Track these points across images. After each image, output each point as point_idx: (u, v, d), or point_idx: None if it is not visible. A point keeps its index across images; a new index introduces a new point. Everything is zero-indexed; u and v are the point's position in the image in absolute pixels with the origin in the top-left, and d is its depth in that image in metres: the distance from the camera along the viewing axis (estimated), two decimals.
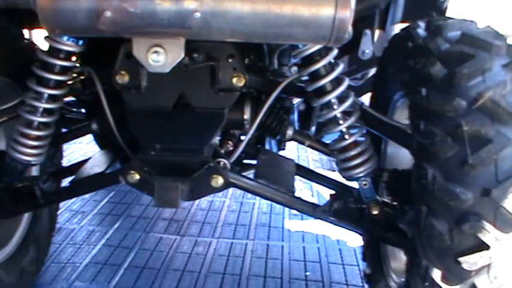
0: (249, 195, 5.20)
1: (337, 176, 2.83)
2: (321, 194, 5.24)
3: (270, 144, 3.26)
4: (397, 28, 3.41)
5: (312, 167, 5.74)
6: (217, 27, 1.88)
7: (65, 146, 5.97)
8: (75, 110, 3.69)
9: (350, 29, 2.21)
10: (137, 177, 2.37)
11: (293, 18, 1.85)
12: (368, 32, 3.63)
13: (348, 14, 1.86)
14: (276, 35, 1.91)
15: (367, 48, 3.64)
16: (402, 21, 3.50)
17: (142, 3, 1.85)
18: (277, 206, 4.96)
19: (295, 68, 3.44)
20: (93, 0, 1.87)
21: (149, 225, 4.61)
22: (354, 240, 4.27)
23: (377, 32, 3.80)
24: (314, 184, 4.89)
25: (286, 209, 5.00)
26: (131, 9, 1.85)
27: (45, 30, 2.02)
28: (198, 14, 1.85)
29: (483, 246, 1.90)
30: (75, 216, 4.72)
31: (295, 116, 3.22)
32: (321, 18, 1.85)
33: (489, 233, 1.89)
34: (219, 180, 2.36)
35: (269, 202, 5.00)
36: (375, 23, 3.68)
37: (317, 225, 4.61)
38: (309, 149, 6.39)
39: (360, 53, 3.66)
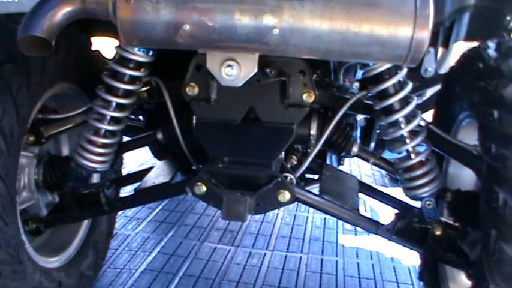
0: (303, 208, 5.24)
1: (397, 194, 2.83)
2: (373, 209, 5.22)
3: (331, 159, 3.25)
4: (460, 46, 3.39)
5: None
6: (295, 44, 1.89)
7: None
8: (133, 117, 3.73)
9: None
10: (204, 189, 2.38)
11: (371, 38, 1.85)
12: (431, 50, 3.61)
13: (426, 35, 1.86)
14: (352, 54, 1.91)
15: (430, 66, 3.62)
16: (466, 40, 3.47)
17: (221, 18, 1.87)
18: (331, 220, 4.99)
19: (356, 84, 3.43)
20: (173, 14, 1.89)
21: (203, 235, 4.61)
22: (408, 258, 4.24)
23: (440, 50, 3.78)
24: (367, 198, 4.86)
25: (340, 223, 4.99)
26: (210, 23, 1.87)
27: (122, 40, 2.05)
28: (276, 31, 1.86)
29: None
30: (130, 222, 4.75)
31: (358, 133, 3.21)
32: (399, 38, 1.85)
33: None
34: (286, 195, 2.36)
35: (322, 216, 5.04)
36: (439, 41, 3.66)
37: (371, 241, 4.58)
38: (361, 164, 6.42)
39: (422, 71, 3.64)
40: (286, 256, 4.33)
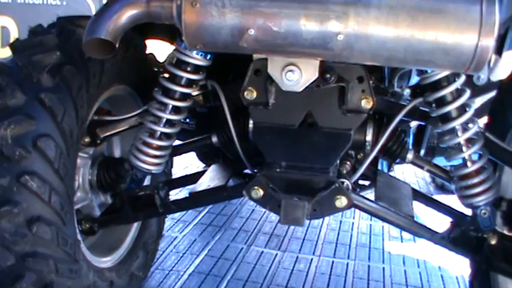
0: (348, 213, 5.23)
1: (450, 202, 2.82)
2: (416, 215, 5.19)
3: (382, 166, 3.24)
4: None
5: None
6: (359, 50, 1.90)
7: None
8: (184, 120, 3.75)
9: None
10: (262, 193, 2.39)
11: (435, 45, 1.85)
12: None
13: (491, 42, 1.85)
14: (416, 60, 1.91)
15: (483, 73, 3.60)
16: None
17: (287, 23, 1.88)
18: (377, 226, 4.98)
19: (408, 91, 3.42)
20: (239, 18, 1.91)
21: (250, 239, 4.63)
22: (456, 267, 4.21)
23: (493, 57, 3.75)
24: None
25: (386, 230, 4.98)
26: (276, 28, 1.89)
27: (186, 44, 2.07)
28: (341, 36, 1.87)
29: None
30: (177, 224, 4.78)
31: (411, 139, 3.19)
32: (464, 45, 1.85)
33: None
34: (343, 201, 2.36)
35: (369, 222, 5.03)
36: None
37: (417, 248, 4.56)
38: (406, 171, 6.39)
39: (475, 78, 3.62)
40: (333, 262, 4.33)
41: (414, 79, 3.24)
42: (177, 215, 4.95)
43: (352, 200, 2.38)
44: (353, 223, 5.15)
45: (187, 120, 3.74)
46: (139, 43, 3.01)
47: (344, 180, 2.49)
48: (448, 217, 2.82)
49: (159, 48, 3.29)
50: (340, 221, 5.18)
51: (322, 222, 5.12)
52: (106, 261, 3.00)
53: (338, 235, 4.88)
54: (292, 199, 2.32)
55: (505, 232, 2.76)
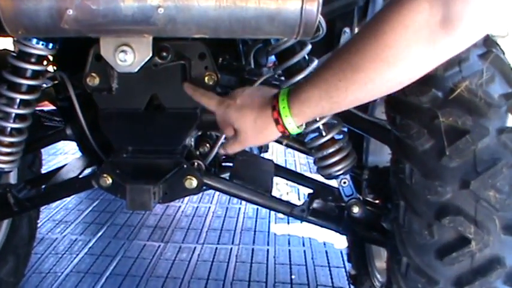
0: (235, 200, 5.20)
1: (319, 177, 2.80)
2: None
3: (250, 147, 3.21)
4: None
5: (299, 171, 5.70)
6: (183, 23, 1.83)
7: (50, 157, 6.00)
8: (56, 119, 3.65)
9: (324, 24, 2.17)
10: (109, 180, 2.32)
11: (259, 11, 1.80)
12: (347, 30, 3.58)
13: (315, 6, 1.81)
14: (242, 29, 1.86)
15: None
16: None
17: (105, 1, 1.80)
18: (263, 210, 4.97)
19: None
20: None
21: (133, 233, 4.57)
22: (341, 242, 4.23)
23: (356, 30, 3.77)
24: (301, 187, 4.84)
25: (273, 212, 4.96)
26: (94, 6, 1.80)
27: (8, 31, 1.97)
28: (162, 10, 1.80)
29: (464, 241, 1.85)
30: (58, 226, 4.67)
31: None
32: (288, 10, 1.80)
33: (470, 227, 1.85)
34: (193, 182, 2.31)
35: (255, 207, 5.01)
36: (354, 20, 3.64)
37: (303, 228, 4.57)
38: (296, 153, 6.41)
39: None
40: (216, 248, 4.31)
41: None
42: (58, 216, 4.87)
43: (202, 180, 2.33)
44: (239, 208, 5.15)
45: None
46: None
47: (196, 161, 2.44)
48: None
49: None
50: (227, 208, 5.18)
51: (208, 210, 5.12)
52: None
53: (223, 222, 4.87)
54: (138, 184, 2.25)
55: (370, 200, 2.77)
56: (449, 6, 1.47)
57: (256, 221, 4.87)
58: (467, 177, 1.86)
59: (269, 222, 4.83)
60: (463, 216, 1.85)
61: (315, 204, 2.55)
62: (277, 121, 1.88)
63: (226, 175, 2.75)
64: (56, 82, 2.69)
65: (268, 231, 4.65)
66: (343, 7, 3.33)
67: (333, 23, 3.53)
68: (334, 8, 3.36)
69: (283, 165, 5.54)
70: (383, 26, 1.60)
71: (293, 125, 1.87)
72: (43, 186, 2.84)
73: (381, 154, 3.00)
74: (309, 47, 2.33)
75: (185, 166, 2.30)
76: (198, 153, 2.63)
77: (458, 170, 1.88)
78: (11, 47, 2.98)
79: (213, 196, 5.44)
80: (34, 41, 2.25)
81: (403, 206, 2.03)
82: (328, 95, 1.74)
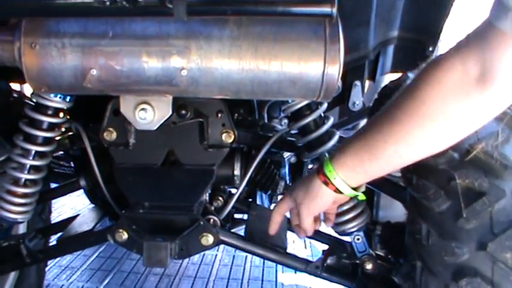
0: None
1: (329, 230, 2.79)
2: (314, 246, 5.19)
3: (262, 199, 3.22)
4: (387, 79, 3.40)
5: None
6: (205, 85, 1.86)
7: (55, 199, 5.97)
8: (64, 164, 3.66)
9: (339, 82, 2.19)
10: (125, 236, 2.32)
11: (281, 75, 1.83)
12: (358, 83, 3.61)
13: (336, 70, 1.84)
14: (264, 92, 1.88)
15: (358, 99, 3.62)
16: (392, 72, 3.50)
17: (129, 61, 1.83)
18: None
19: (285, 121, 3.42)
20: (79, 58, 1.84)
21: (140, 281, 4.54)
22: None
23: (367, 83, 3.79)
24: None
25: None
26: (118, 67, 1.83)
27: (31, 87, 2.00)
28: (185, 72, 1.83)
29: None
30: (64, 272, 4.65)
31: (286, 170, 3.18)
32: (310, 74, 1.83)
33: None
34: (209, 239, 2.31)
35: None
36: (365, 73, 3.67)
37: (310, 278, 4.54)
38: None
39: (350, 105, 3.64)
40: None
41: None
42: (64, 261, 4.84)
43: (219, 237, 2.34)
44: (246, 257, 5.11)
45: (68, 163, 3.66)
46: (3, 86, 2.91)
47: (211, 216, 2.44)
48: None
49: None
50: (234, 256, 5.14)
51: (215, 258, 5.08)
52: None
53: (230, 270, 4.84)
54: (155, 240, 2.25)
55: (382, 255, 2.77)
56: (482, 64, 1.51)
57: (263, 270, 4.85)
58: (484, 238, 1.86)
59: (276, 271, 4.81)
60: (480, 277, 1.85)
61: (329, 261, 2.56)
62: (326, 182, 1.95)
63: (239, 228, 2.76)
64: (71, 133, 2.70)
65: (276, 281, 4.62)
66: (354, 61, 3.36)
67: (344, 77, 3.56)
68: (345, 62, 3.39)
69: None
70: (419, 83, 1.65)
71: (343, 184, 1.93)
72: (56, 237, 2.84)
73: (391, 209, 3.01)
74: (325, 105, 2.36)
75: (202, 223, 2.30)
76: (212, 207, 2.64)
77: (475, 232, 1.89)
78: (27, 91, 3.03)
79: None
80: (52, 94, 2.27)
81: (419, 267, 2.03)
82: (368, 148, 1.78)
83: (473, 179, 1.92)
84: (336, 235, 2.64)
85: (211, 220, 2.43)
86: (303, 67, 1.82)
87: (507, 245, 1.85)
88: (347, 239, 2.60)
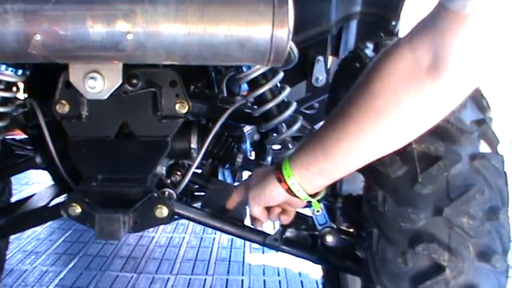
0: (209, 230, 5.16)
1: None
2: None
3: (224, 175, 3.18)
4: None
5: None
6: (152, 49, 1.81)
7: (22, 187, 5.93)
8: (28, 147, 3.61)
9: (295, 51, 2.16)
10: (79, 209, 2.27)
11: (229, 38, 1.79)
12: (321, 58, 3.60)
13: (285, 32, 1.79)
14: (213, 55, 1.84)
15: (321, 75, 3.61)
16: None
17: (73, 26, 1.78)
18: (238, 240, 4.91)
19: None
20: (22, 24, 1.79)
21: (105, 264, 4.50)
22: (316, 271, 4.19)
23: (330, 59, 3.77)
24: None
25: (248, 242, 4.92)
26: (62, 32, 1.78)
27: None
28: (131, 36, 1.78)
29: (438, 268, 1.84)
30: (28, 257, 4.60)
31: (248, 145, 3.14)
32: (258, 37, 1.79)
33: (444, 254, 1.83)
34: (163, 211, 2.26)
35: (230, 236, 4.96)
36: (328, 49, 3.65)
37: (278, 258, 4.53)
38: None
39: (313, 80, 3.63)
40: (190, 279, 4.25)
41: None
42: (29, 246, 4.80)
43: (173, 209, 2.30)
44: (214, 238, 5.09)
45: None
46: None
47: (167, 189, 2.40)
48: None
49: None
50: (201, 238, 5.12)
51: (182, 240, 5.07)
52: None
53: (198, 252, 4.82)
54: (107, 213, 2.21)
55: (344, 228, 2.75)
56: (434, 51, 1.45)
57: (231, 251, 4.82)
58: (440, 204, 1.85)
59: (244, 252, 4.79)
60: (437, 243, 1.84)
61: (288, 234, 2.52)
62: (280, 179, 1.91)
63: (199, 204, 2.72)
64: (26, 109, 2.64)
65: (243, 261, 4.60)
66: (316, 36, 3.34)
67: (306, 52, 3.54)
68: (307, 37, 3.37)
69: None
70: (371, 75, 1.61)
71: (297, 186, 1.90)
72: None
73: (354, 182, 2.98)
74: (281, 74, 2.32)
75: (155, 195, 2.26)
76: (169, 181, 2.60)
77: (431, 197, 1.87)
78: None
79: (188, 226, 5.40)
80: (3, 67, 2.22)
81: (376, 234, 2.01)
82: (321, 147, 1.74)
83: (429, 143, 1.91)
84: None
85: (167, 193, 2.39)
86: (251, 30, 1.78)
87: (463, 210, 1.84)
88: (307, 212, 2.57)
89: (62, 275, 4.23)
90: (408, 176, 1.91)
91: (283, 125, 2.39)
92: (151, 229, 5.08)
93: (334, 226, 2.53)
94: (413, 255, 1.87)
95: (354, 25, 3.71)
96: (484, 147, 1.98)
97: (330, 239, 2.48)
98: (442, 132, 1.91)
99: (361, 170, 2.35)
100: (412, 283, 1.88)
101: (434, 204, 1.86)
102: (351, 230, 2.71)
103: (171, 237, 5.12)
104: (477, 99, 2.10)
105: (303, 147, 1.86)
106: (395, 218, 1.91)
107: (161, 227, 5.15)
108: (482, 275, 1.85)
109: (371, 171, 2.08)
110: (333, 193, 2.66)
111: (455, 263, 1.82)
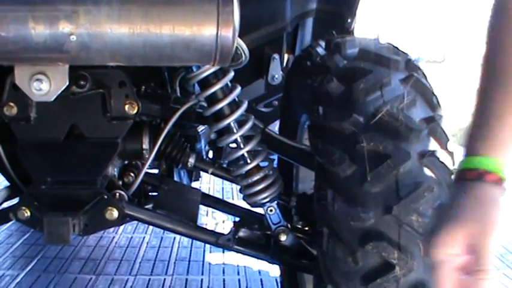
0: None
1: (242, 202, 2.76)
2: None
3: (180, 176, 3.16)
4: None
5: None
6: (96, 50, 1.79)
7: None
8: None
9: (246, 50, 2.14)
10: (28, 213, 2.24)
11: (174, 38, 1.77)
12: (276, 56, 3.58)
13: (230, 32, 1.78)
14: (158, 56, 1.82)
15: (277, 73, 3.59)
16: None
17: (15, 27, 1.75)
18: None
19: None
20: None
21: (64, 266, 4.44)
22: (276, 270, 4.18)
23: (286, 56, 3.77)
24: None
25: None
26: (3, 33, 1.75)
27: None
28: (74, 37, 1.75)
29: (388, 266, 1.84)
30: None
31: (202, 144, 3.12)
32: (203, 37, 1.77)
33: (393, 252, 1.83)
34: (114, 213, 2.24)
35: None
36: (283, 47, 3.64)
37: (238, 257, 4.52)
38: (212, 180, 6.34)
39: (270, 78, 3.61)
40: (149, 280, 4.22)
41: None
42: None
43: (124, 211, 2.28)
44: (174, 238, 5.06)
45: None
46: None
47: (117, 191, 2.38)
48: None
49: None
50: (161, 238, 5.09)
51: (142, 240, 5.03)
52: None
53: (158, 252, 4.79)
54: (56, 216, 2.19)
55: (299, 227, 2.75)
56: None
57: (191, 250, 4.79)
58: (389, 202, 1.85)
59: (204, 251, 4.75)
60: (387, 241, 1.84)
61: (241, 233, 2.52)
62: (499, 179, 1.31)
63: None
64: None
65: (203, 261, 4.58)
66: (271, 34, 3.33)
67: (262, 50, 3.52)
68: (262, 35, 3.35)
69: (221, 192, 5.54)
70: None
71: (497, 164, 1.31)
72: None
73: (311, 181, 2.99)
74: (231, 74, 2.30)
75: (105, 197, 2.24)
76: (122, 183, 2.58)
77: (380, 196, 1.88)
78: None
79: (148, 226, 5.35)
80: None
81: (326, 233, 2.01)
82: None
83: (379, 142, 1.92)
84: (249, 207, 2.61)
85: (118, 194, 2.37)
86: (195, 30, 1.76)
87: (412, 208, 1.85)
88: (261, 211, 2.57)
89: (18, 279, 4.16)
90: (357, 175, 1.92)
91: (235, 124, 2.38)
92: (111, 229, 5.04)
93: (288, 225, 2.53)
94: (363, 254, 1.87)
95: (309, 23, 3.71)
96: (433, 145, 1.99)
97: (283, 238, 2.49)
98: (391, 131, 1.92)
99: (312, 168, 2.37)
100: (363, 282, 1.88)
101: (384, 202, 1.86)
102: (306, 228, 2.72)
103: (131, 237, 5.08)
104: (427, 97, 2.11)
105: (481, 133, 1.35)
106: (345, 217, 1.91)
107: (121, 227, 5.11)
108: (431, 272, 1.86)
109: (320, 170, 2.08)
110: (287, 192, 2.67)
111: (405, 260, 1.83)
